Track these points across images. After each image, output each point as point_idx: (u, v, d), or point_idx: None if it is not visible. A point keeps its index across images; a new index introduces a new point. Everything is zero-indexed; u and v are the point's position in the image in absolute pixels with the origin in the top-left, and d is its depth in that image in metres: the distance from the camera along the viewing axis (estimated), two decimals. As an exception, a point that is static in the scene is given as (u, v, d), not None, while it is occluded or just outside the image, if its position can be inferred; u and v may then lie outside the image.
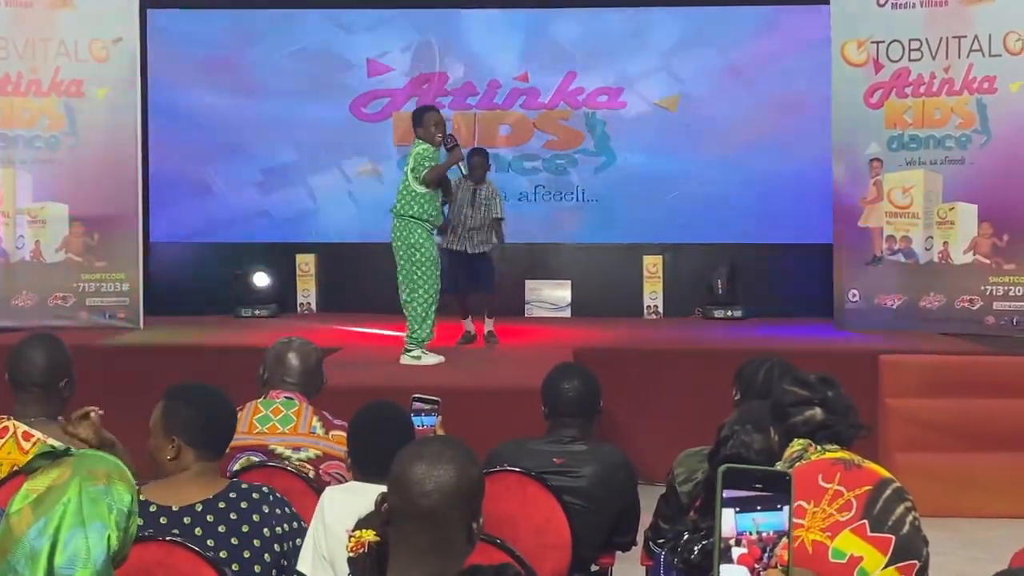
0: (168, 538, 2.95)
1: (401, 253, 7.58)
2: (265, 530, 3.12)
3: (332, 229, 10.65)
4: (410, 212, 7.53)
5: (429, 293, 7.55)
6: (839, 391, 2.79)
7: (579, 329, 9.37)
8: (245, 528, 3.11)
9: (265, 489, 3.22)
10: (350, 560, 2.30)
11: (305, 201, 10.65)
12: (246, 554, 3.09)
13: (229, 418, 3.35)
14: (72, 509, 2.07)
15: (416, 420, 3.66)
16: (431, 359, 7.62)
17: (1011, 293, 8.47)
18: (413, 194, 7.52)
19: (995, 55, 8.45)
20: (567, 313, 10.43)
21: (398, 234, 7.59)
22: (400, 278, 7.62)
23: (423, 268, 7.53)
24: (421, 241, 7.52)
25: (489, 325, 8.83)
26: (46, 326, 8.11)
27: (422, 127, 7.60)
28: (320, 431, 4.03)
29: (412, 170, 7.52)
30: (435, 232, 7.76)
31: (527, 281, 10.42)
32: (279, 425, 4.03)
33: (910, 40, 8.72)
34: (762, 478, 1.59)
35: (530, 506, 3.84)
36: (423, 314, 7.57)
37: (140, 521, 2.29)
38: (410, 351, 7.62)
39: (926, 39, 8.67)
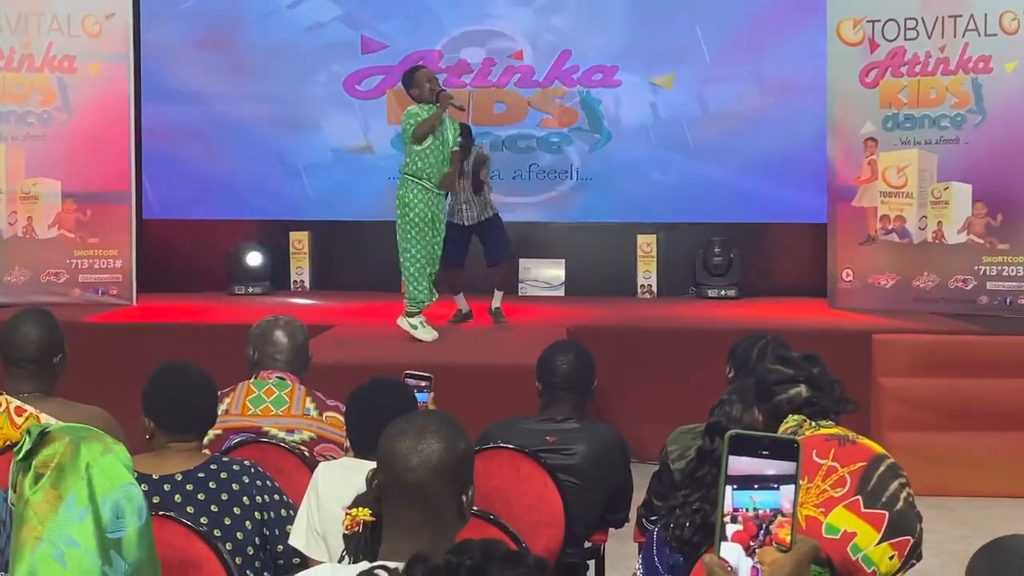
0: (161, 512, 2.96)
1: (397, 211, 7.56)
2: (245, 499, 3.14)
3: (325, 206, 10.62)
4: (408, 169, 7.50)
5: (421, 253, 7.48)
6: (823, 368, 2.80)
7: (573, 308, 9.37)
8: (225, 496, 3.13)
9: (246, 462, 3.25)
10: (345, 537, 2.31)
11: (298, 178, 10.62)
12: (226, 521, 3.11)
13: (200, 400, 3.30)
14: (96, 473, 2.07)
15: (409, 397, 3.65)
16: (425, 334, 7.59)
17: (1004, 273, 8.47)
18: (411, 151, 7.49)
19: (991, 34, 8.43)
20: (561, 292, 10.43)
21: (398, 192, 7.56)
22: (397, 237, 7.59)
23: (415, 227, 7.46)
24: (414, 200, 7.46)
25: (497, 300, 8.69)
26: (39, 302, 8.10)
27: (416, 87, 7.54)
28: (314, 413, 4.00)
29: (404, 131, 7.51)
30: (438, 192, 7.56)
31: (521, 260, 10.41)
32: (272, 407, 3.99)
33: (906, 19, 8.70)
34: (769, 445, 1.57)
35: (523, 483, 3.84)
36: (416, 274, 7.51)
37: None
38: (409, 315, 7.59)
39: (922, 18, 8.65)
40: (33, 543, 2.04)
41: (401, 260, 7.58)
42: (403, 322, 7.61)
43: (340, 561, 2.35)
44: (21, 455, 2.12)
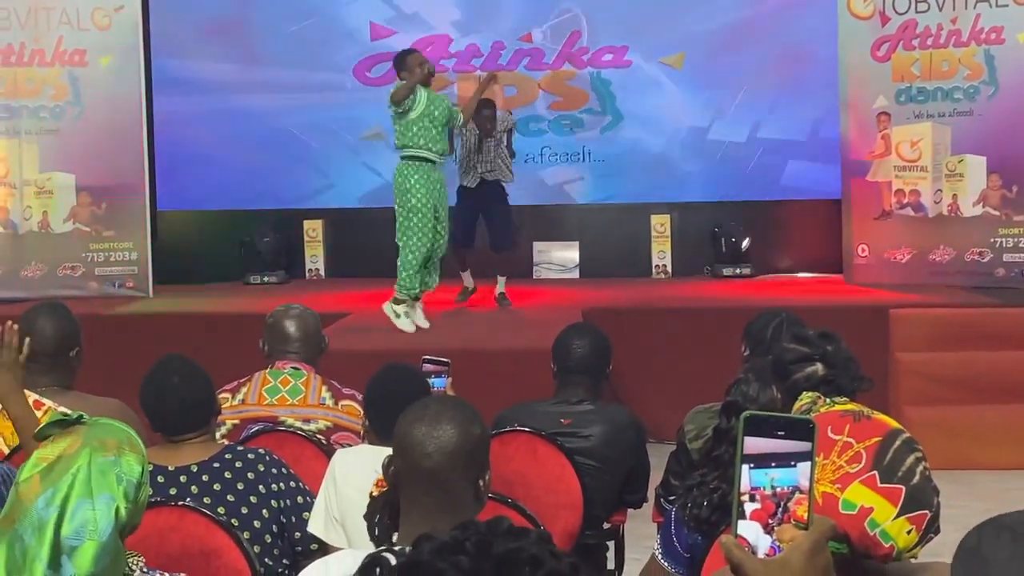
0: (180, 503, 2.97)
1: (397, 199, 7.45)
2: (261, 487, 3.16)
3: (339, 194, 10.63)
4: (403, 143, 7.41)
5: (422, 243, 7.36)
6: (839, 345, 2.79)
7: (588, 290, 9.37)
8: (240, 486, 3.14)
9: (261, 450, 3.26)
10: (371, 498, 2.33)
11: (311, 166, 10.63)
12: (244, 510, 3.12)
13: (180, 405, 3.24)
14: (81, 479, 2.06)
15: (426, 383, 3.66)
16: (405, 324, 7.43)
17: (1021, 245, 8.43)
18: (397, 125, 7.43)
19: (1002, 5, 8.38)
20: (575, 274, 10.42)
21: (396, 179, 7.48)
22: (397, 224, 7.48)
23: (416, 215, 7.35)
24: (415, 186, 7.36)
25: (501, 286, 8.73)
26: (55, 296, 8.12)
27: (407, 70, 7.43)
28: (330, 402, 4.02)
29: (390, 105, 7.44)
30: (438, 168, 7.50)
31: (535, 243, 10.41)
32: (288, 396, 4.01)
33: (917, -9, 8.65)
34: (784, 425, 1.57)
35: (541, 465, 3.85)
36: (414, 263, 7.39)
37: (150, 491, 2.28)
38: (396, 302, 7.45)
39: (932, -10, 8.60)
40: (8, 526, 2.05)
41: (400, 248, 7.45)
42: (388, 308, 7.47)
43: (364, 517, 2.37)
44: (36, 433, 2.13)
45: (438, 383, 3.75)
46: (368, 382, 3.46)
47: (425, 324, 7.63)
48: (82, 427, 2.15)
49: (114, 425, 2.21)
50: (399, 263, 7.50)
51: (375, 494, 2.33)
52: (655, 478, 4.04)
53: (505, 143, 8.67)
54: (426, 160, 7.42)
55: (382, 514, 2.29)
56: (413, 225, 7.38)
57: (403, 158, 7.48)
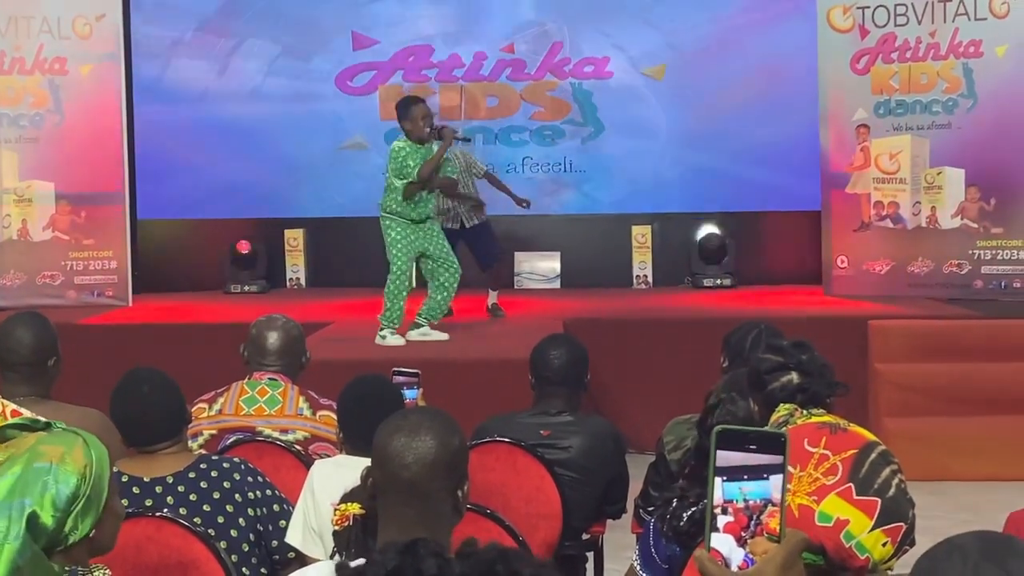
0: (157, 514, 2.97)
1: (388, 251, 7.52)
2: (237, 496, 3.15)
3: (320, 204, 10.62)
4: (388, 209, 7.42)
5: (403, 286, 7.43)
6: (813, 353, 2.81)
7: (569, 300, 9.38)
8: (216, 495, 3.14)
9: (236, 459, 3.26)
10: (335, 533, 2.32)
11: (292, 175, 10.61)
12: (220, 519, 3.12)
13: (152, 415, 3.24)
14: (7, 483, 2.03)
15: (397, 394, 3.67)
16: (396, 340, 7.47)
17: (999, 257, 8.48)
18: (392, 187, 7.40)
19: (981, 19, 8.43)
20: (556, 284, 10.43)
21: (382, 231, 7.51)
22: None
23: (396, 263, 7.42)
24: (397, 236, 7.42)
25: (493, 298, 8.76)
26: (34, 305, 8.09)
27: (409, 120, 7.37)
28: (307, 412, 4.01)
29: (392, 169, 7.37)
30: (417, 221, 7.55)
31: (516, 253, 10.41)
32: (266, 407, 4.00)
33: (896, 5, 8.69)
34: (756, 439, 1.58)
35: (520, 476, 3.85)
36: (397, 290, 7.45)
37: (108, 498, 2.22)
38: (380, 330, 7.50)
39: (911, 4, 8.64)
40: None
41: (389, 277, 7.49)
42: (378, 340, 7.47)
43: (331, 558, 2.36)
44: None
45: (409, 394, 3.76)
46: (340, 394, 3.46)
47: (444, 336, 7.66)
48: (40, 433, 2.13)
49: (69, 435, 2.15)
50: (385, 292, 7.52)
51: (337, 530, 2.32)
52: (634, 489, 4.05)
53: (472, 181, 8.66)
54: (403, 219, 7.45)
55: (348, 550, 2.28)
56: (394, 272, 7.43)
57: (385, 214, 7.48)
